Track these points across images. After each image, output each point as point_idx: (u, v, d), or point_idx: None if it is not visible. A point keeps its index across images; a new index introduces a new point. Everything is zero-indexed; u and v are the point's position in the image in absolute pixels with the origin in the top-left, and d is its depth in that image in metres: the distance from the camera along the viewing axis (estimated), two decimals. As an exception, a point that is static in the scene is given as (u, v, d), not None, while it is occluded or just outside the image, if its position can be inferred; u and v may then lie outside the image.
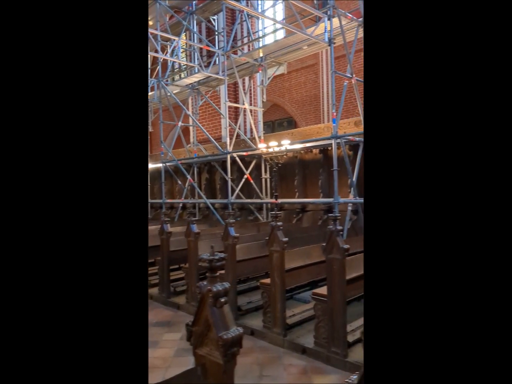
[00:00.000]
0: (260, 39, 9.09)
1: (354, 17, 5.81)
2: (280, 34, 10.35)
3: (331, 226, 3.14)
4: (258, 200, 7.35)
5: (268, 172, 7.50)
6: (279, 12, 12.37)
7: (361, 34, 5.82)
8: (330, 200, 5.44)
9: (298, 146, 6.53)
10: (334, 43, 5.55)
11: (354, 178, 5.46)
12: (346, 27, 5.88)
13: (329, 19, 5.42)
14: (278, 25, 8.22)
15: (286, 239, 3.51)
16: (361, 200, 5.41)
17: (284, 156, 6.88)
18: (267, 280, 3.62)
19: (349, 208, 5.50)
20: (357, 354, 2.90)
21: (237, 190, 7.04)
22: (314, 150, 6.97)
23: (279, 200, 6.58)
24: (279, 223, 3.58)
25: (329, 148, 5.66)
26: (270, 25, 10.91)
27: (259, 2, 11.16)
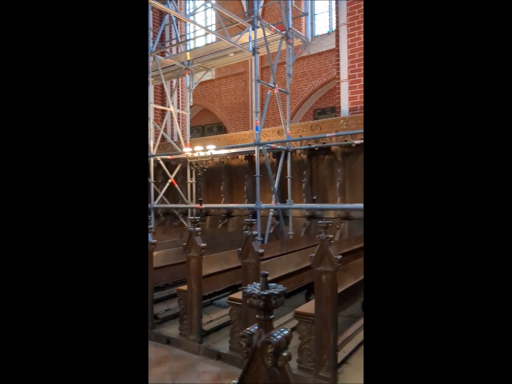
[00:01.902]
0: (188, 42, 9.01)
1: (278, 30, 6.04)
2: (212, 39, 10.36)
3: (247, 231, 3.20)
4: (182, 205, 7.22)
5: (193, 177, 7.42)
6: (212, 16, 12.40)
7: (284, 46, 6.07)
8: (253, 205, 5.55)
9: (223, 151, 6.57)
10: (258, 52, 5.70)
11: (276, 185, 5.64)
12: (270, 39, 6.08)
13: (253, 29, 5.56)
14: (209, 29, 8.22)
15: (204, 244, 3.49)
16: (282, 206, 5.60)
17: (210, 161, 6.87)
18: (184, 287, 3.56)
19: (271, 213, 5.66)
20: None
21: (161, 195, 6.86)
22: (240, 156, 7.07)
23: (204, 205, 6.54)
24: (197, 229, 3.56)
25: (254, 154, 5.79)
26: (200, 28, 10.87)
27: (189, 4, 11.09)
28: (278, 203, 5.59)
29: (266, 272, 1.02)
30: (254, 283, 1.01)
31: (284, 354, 0.92)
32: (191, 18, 7.60)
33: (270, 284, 0.97)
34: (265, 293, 0.91)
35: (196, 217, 3.73)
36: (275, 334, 0.91)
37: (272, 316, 0.97)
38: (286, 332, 0.94)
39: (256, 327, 0.95)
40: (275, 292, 0.93)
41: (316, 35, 11.08)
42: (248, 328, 0.98)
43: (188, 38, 9.92)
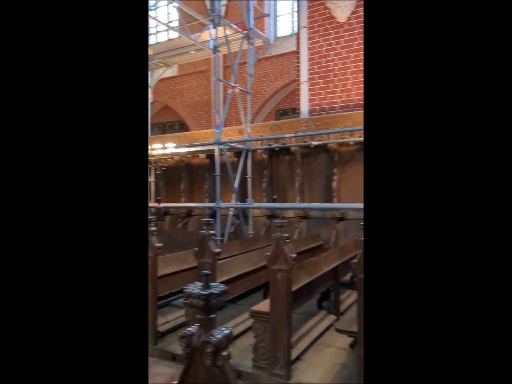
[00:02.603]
0: (148, 38, 8.79)
1: (240, 29, 6.04)
2: (174, 36, 10.17)
3: (203, 231, 3.17)
4: (142, 204, 7.04)
5: (152, 176, 7.26)
6: (175, 12, 12.17)
7: (245, 46, 6.08)
8: (213, 204, 5.52)
9: (182, 150, 6.48)
10: (219, 51, 5.68)
11: (236, 184, 5.64)
12: (231, 38, 6.07)
13: (214, 27, 5.53)
14: (171, 25, 8.07)
15: (160, 244, 3.42)
16: (242, 205, 5.62)
17: (169, 159, 6.75)
18: (139, 288, 3.47)
19: (230, 213, 5.65)
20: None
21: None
22: (201, 155, 7.00)
23: (162, 204, 6.42)
24: (152, 228, 3.48)
25: (215, 153, 5.75)
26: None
27: (151, -1, 10.81)
28: (238, 203, 5.60)
29: (207, 272, 1.02)
30: (196, 282, 1.00)
31: (224, 353, 0.92)
32: (153, 13, 7.42)
33: (211, 284, 0.97)
34: (205, 292, 0.92)
35: (152, 217, 3.65)
36: (215, 334, 0.91)
37: (213, 316, 0.97)
38: (226, 331, 0.94)
39: (197, 327, 0.94)
40: (215, 292, 0.93)
41: (278, 36, 11.19)
42: (188, 328, 0.97)
43: (149, 33, 9.67)
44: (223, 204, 5.35)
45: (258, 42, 6.52)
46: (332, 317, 3.75)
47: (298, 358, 2.95)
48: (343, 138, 5.44)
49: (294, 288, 2.82)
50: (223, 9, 10.53)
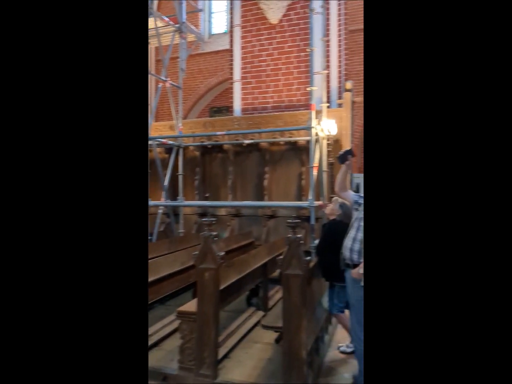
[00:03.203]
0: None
1: (171, 22, 5.86)
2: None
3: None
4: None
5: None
6: None
7: (177, 40, 5.92)
8: (142, 203, 5.29)
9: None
10: (149, 43, 5.45)
11: (167, 182, 5.47)
12: (163, 30, 5.87)
13: (144, 18, 5.29)
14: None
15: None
16: (171, 203, 5.46)
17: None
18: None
19: (160, 211, 5.47)
20: (154, 360, 2.86)
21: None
22: (129, 151, 6.67)
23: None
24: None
25: (143, 149, 5.50)
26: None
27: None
28: (168, 201, 5.44)
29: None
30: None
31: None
32: None
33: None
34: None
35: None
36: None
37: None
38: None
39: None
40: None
41: (213, 33, 11.10)
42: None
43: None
44: (152, 202, 5.16)
45: (191, 37, 6.38)
46: (260, 313, 3.81)
47: (225, 356, 2.95)
48: (274, 138, 5.56)
49: (222, 287, 2.81)
50: (155, 2, 10.18)
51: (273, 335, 3.15)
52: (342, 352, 3.14)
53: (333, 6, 6.15)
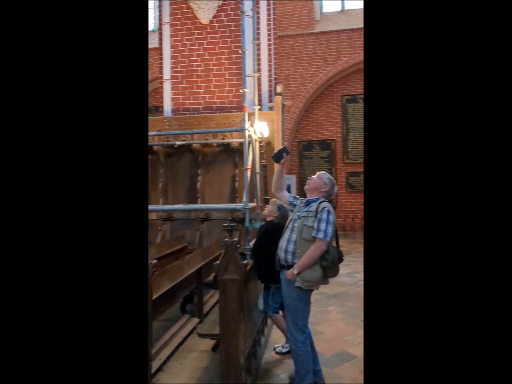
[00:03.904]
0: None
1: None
2: None
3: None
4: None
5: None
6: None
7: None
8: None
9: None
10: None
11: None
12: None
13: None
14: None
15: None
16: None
17: None
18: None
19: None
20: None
21: None
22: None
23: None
24: None
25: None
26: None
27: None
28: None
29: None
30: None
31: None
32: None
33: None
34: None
35: None
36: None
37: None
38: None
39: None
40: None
41: (140, 29, 10.62)
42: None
43: None
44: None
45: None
46: (195, 320, 3.70)
47: (159, 369, 2.80)
48: (206, 139, 5.47)
49: (154, 296, 2.66)
50: None
51: (209, 343, 3.07)
52: (278, 353, 3.17)
53: (263, 11, 6.25)
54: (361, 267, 6.25)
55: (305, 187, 2.65)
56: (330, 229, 2.31)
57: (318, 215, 2.34)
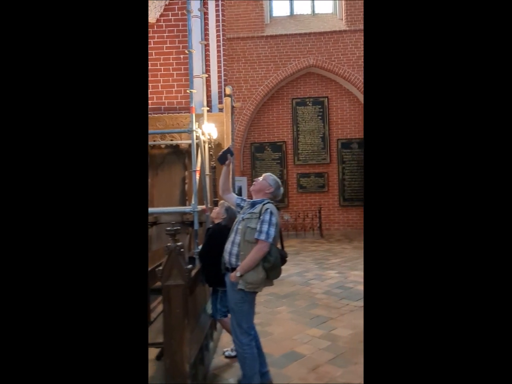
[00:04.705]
0: None
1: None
2: None
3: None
4: None
5: None
6: None
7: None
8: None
9: None
10: None
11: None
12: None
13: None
14: None
15: None
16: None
17: None
18: None
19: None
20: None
21: None
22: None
23: None
24: None
25: None
26: None
27: None
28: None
29: None
30: None
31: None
32: None
33: None
34: None
35: None
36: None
37: None
38: None
39: None
40: None
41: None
42: None
43: None
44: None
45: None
46: (142, 328, 3.56)
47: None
48: (154, 141, 5.31)
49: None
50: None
51: (154, 351, 2.97)
52: (227, 357, 3.13)
53: (212, 12, 6.21)
54: (311, 266, 6.41)
55: (250, 188, 2.65)
56: (272, 231, 2.32)
57: (261, 217, 2.34)
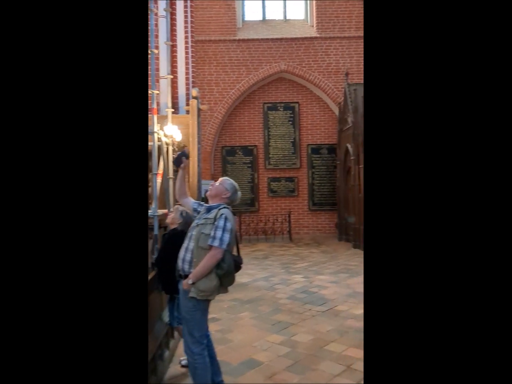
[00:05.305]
0: None
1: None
2: None
3: None
4: None
5: None
6: None
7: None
8: None
9: None
10: None
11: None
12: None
13: None
14: None
15: None
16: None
17: None
18: None
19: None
20: None
21: None
22: None
23: None
24: None
25: None
26: None
27: None
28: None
29: None
30: None
31: None
32: None
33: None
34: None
35: None
36: None
37: None
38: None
39: None
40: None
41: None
42: None
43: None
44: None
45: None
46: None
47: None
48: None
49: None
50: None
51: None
52: (184, 366, 3.04)
53: (180, 13, 6.13)
54: (278, 270, 6.39)
55: (207, 193, 2.59)
56: (226, 237, 2.26)
57: (215, 223, 2.28)
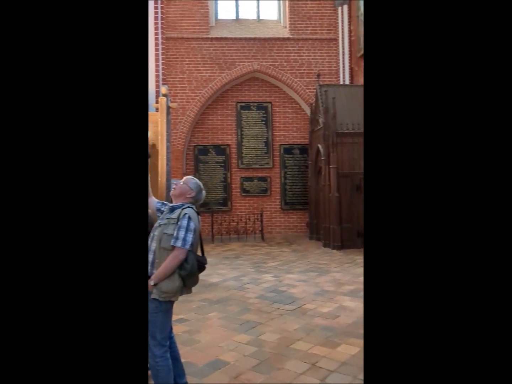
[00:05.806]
0: None
1: None
2: None
3: None
4: None
5: None
6: None
7: None
8: None
9: None
10: None
11: None
12: None
13: None
14: None
15: None
16: None
17: None
18: None
19: None
20: None
21: None
22: None
23: None
24: None
25: None
26: None
27: None
28: None
29: None
30: None
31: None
32: None
33: None
34: None
35: None
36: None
37: None
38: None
39: None
40: None
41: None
42: None
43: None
44: None
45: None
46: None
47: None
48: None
49: None
50: None
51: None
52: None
53: (150, 10, 6.02)
54: (248, 270, 6.39)
55: (171, 193, 2.55)
56: (190, 237, 2.24)
57: (178, 222, 2.26)
